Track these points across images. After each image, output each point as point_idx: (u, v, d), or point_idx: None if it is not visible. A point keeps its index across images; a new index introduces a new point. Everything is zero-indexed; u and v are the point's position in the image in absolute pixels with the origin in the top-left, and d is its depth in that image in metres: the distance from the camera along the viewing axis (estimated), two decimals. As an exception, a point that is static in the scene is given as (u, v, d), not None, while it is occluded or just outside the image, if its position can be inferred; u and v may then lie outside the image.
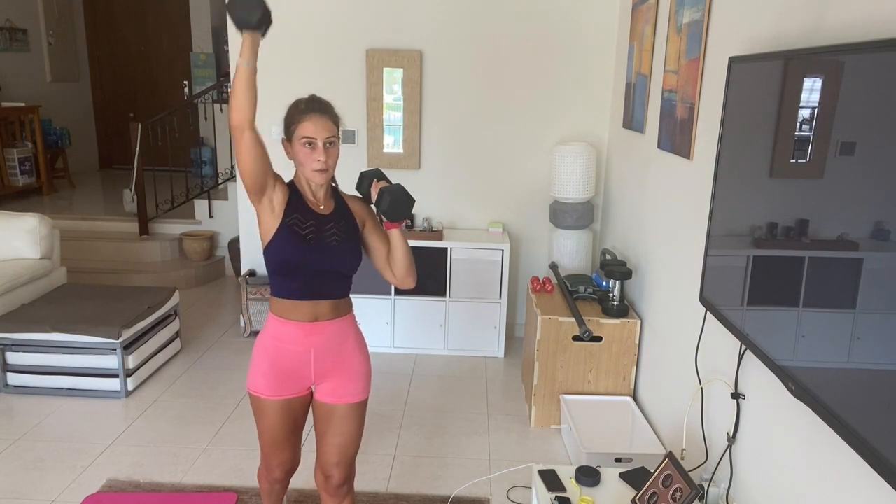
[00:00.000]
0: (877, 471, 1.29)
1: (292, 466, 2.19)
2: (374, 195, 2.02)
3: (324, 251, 1.96)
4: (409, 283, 2.09)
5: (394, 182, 2.01)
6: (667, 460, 2.13)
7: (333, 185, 2.10)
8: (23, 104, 6.88)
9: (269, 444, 2.10)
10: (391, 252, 2.05)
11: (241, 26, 1.74)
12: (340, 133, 1.98)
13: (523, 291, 4.55)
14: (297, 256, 1.92)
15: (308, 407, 2.13)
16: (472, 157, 4.36)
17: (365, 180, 2.07)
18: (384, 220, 1.99)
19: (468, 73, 4.23)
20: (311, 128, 1.89)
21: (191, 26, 7.20)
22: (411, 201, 1.97)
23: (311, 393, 2.11)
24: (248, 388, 2.06)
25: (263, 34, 1.85)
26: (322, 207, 2.01)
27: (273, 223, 1.93)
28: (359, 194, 2.12)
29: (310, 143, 1.89)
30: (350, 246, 2.01)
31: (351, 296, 2.45)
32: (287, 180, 2.02)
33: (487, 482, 2.93)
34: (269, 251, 1.94)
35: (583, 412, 3.24)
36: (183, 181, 6.53)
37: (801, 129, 1.60)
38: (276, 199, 1.93)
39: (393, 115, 4.26)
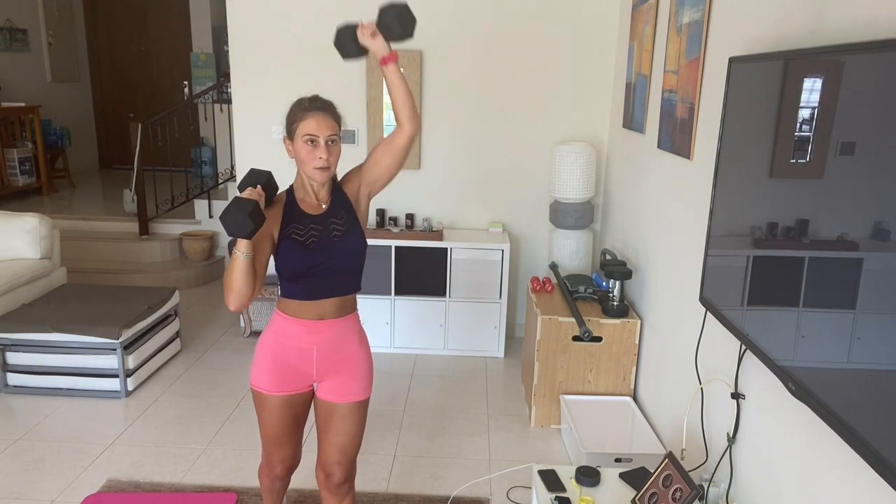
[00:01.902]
0: (877, 471, 1.29)
1: (293, 463, 2.20)
2: (361, 34, 1.91)
3: (327, 249, 1.97)
4: (416, 122, 1.99)
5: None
6: (667, 460, 2.13)
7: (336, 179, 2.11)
8: (23, 104, 6.89)
9: (271, 439, 2.11)
10: (392, 91, 1.95)
11: (231, 235, 1.79)
12: (341, 133, 1.98)
13: (523, 291, 4.55)
14: (304, 263, 1.96)
15: (309, 404, 2.14)
16: (472, 157, 4.36)
17: (346, 30, 1.93)
18: (382, 56, 1.90)
19: (468, 74, 4.23)
20: (313, 125, 1.90)
21: (191, 26, 7.20)
22: (414, 17, 1.88)
23: (313, 390, 2.11)
24: (251, 384, 2.08)
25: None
26: (324, 206, 2.02)
27: (275, 237, 1.97)
28: (344, 52, 2.00)
29: (312, 141, 1.90)
30: (352, 235, 2.02)
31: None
32: (286, 188, 2.03)
33: (487, 482, 2.93)
34: (277, 259, 1.99)
35: (583, 412, 3.24)
36: (183, 181, 6.53)
37: (801, 130, 1.60)
38: (275, 234, 1.97)
39: (393, 116, 4.25)
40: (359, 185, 2.07)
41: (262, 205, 1.86)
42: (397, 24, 1.87)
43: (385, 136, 2.04)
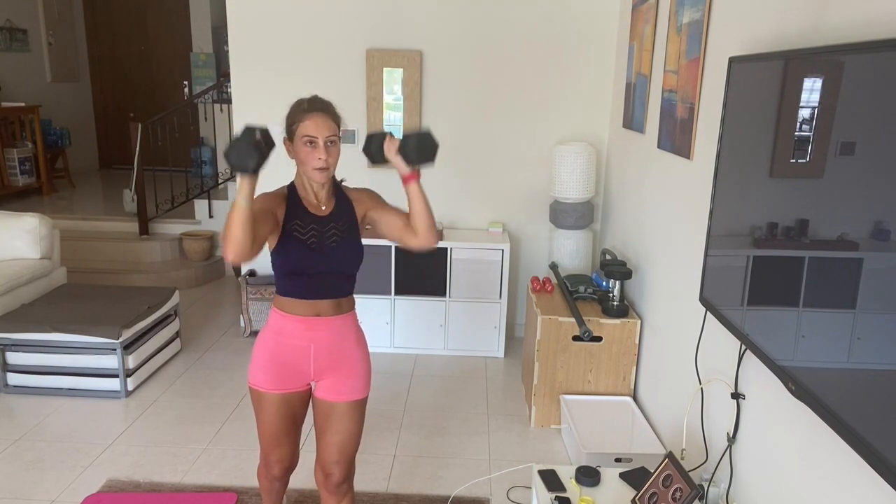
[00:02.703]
0: (877, 471, 1.29)
1: (291, 463, 2.20)
2: (387, 149, 1.96)
3: (325, 253, 1.99)
4: (433, 240, 2.03)
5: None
6: (667, 460, 2.13)
7: (340, 180, 2.12)
8: (23, 104, 6.89)
9: (268, 439, 2.11)
10: (411, 206, 1.99)
11: (238, 172, 1.75)
12: (341, 133, 1.99)
13: (523, 291, 4.55)
14: (300, 262, 1.97)
15: (307, 403, 2.14)
16: (472, 157, 4.36)
17: (374, 139, 2.00)
18: (407, 165, 1.95)
19: (468, 73, 4.23)
20: (312, 126, 1.90)
21: (191, 26, 7.20)
22: (437, 145, 1.93)
23: (311, 389, 2.12)
24: (249, 382, 2.08)
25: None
26: (323, 208, 2.02)
27: (276, 233, 1.97)
28: (370, 155, 2.05)
29: (311, 142, 1.91)
30: (350, 245, 2.03)
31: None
32: (288, 183, 2.04)
33: (487, 482, 2.92)
34: (275, 255, 1.99)
35: (583, 412, 3.24)
36: (183, 181, 6.54)
37: (801, 129, 1.60)
38: (278, 217, 1.96)
39: (393, 115, 4.26)
40: (366, 212, 2.09)
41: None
42: (416, 155, 1.92)
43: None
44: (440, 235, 4.13)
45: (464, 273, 4.12)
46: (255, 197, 1.82)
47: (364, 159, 4.36)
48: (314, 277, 1.99)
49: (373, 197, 2.12)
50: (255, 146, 1.72)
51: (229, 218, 1.77)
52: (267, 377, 2.03)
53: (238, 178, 1.76)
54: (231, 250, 1.76)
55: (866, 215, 1.35)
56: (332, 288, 2.03)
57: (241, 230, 1.75)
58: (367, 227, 2.13)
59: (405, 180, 1.97)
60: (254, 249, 1.80)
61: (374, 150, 2.00)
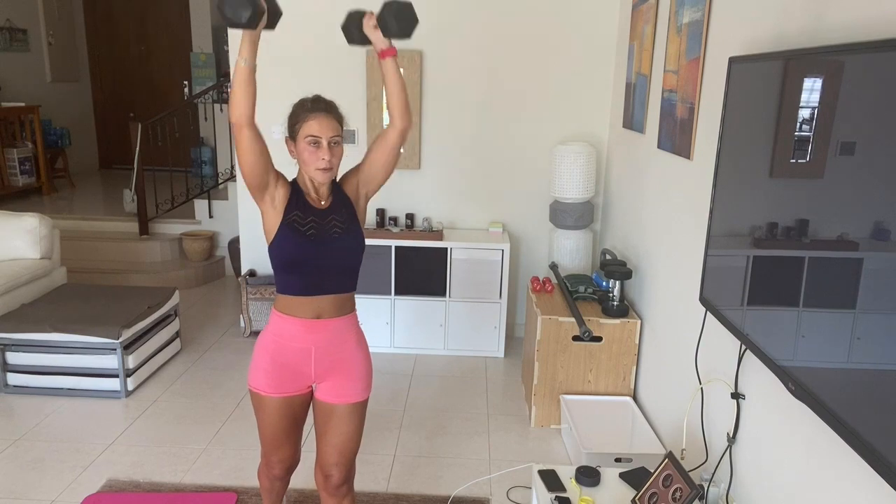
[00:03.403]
0: (877, 471, 1.29)
1: (292, 464, 2.20)
2: (366, 24, 1.93)
3: (326, 244, 1.97)
4: (408, 118, 2.00)
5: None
6: (667, 460, 2.13)
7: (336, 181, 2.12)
8: (23, 104, 6.89)
9: (269, 440, 2.11)
10: (387, 83, 1.97)
11: (232, 25, 1.73)
12: (343, 133, 1.99)
13: (523, 291, 4.55)
14: (300, 253, 1.95)
15: (308, 405, 2.14)
16: (472, 157, 4.36)
17: (353, 17, 1.95)
18: (382, 49, 1.92)
19: (468, 73, 4.23)
20: (315, 126, 1.90)
21: (191, 26, 7.20)
22: (416, 17, 1.90)
23: (312, 391, 2.11)
24: (249, 385, 2.07)
25: (273, 26, 1.84)
26: (323, 203, 2.03)
27: (275, 221, 1.95)
28: (350, 37, 2.02)
29: (314, 142, 1.91)
30: (352, 236, 2.02)
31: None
32: (291, 178, 2.03)
33: (487, 482, 2.92)
34: (273, 248, 1.97)
35: (583, 412, 3.24)
36: (183, 181, 6.53)
37: (801, 129, 1.60)
38: (278, 197, 1.96)
39: (393, 115, 4.26)
40: (357, 184, 2.08)
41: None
42: (394, 22, 1.88)
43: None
44: (440, 235, 4.13)
45: (464, 273, 4.12)
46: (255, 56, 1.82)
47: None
48: (314, 271, 1.97)
49: (352, 170, 2.10)
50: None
51: (232, 80, 1.79)
52: (268, 380, 2.03)
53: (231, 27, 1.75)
54: (233, 111, 1.82)
55: (866, 215, 1.35)
56: (334, 283, 2.01)
57: (242, 91, 1.80)
58: (365, 196, 2.10)
59: (382, 55, 1.95)
60: (253, 131, 1.84)
61: (353, 28, 1.96)
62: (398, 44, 2.00)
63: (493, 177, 4.38)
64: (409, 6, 1.89)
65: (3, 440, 3.13)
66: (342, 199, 2.06)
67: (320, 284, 1.99)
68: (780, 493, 1.87)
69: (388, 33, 1.91)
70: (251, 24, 1.73)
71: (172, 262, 5.50)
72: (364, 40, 1.98)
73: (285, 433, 2.10)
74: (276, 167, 2.00)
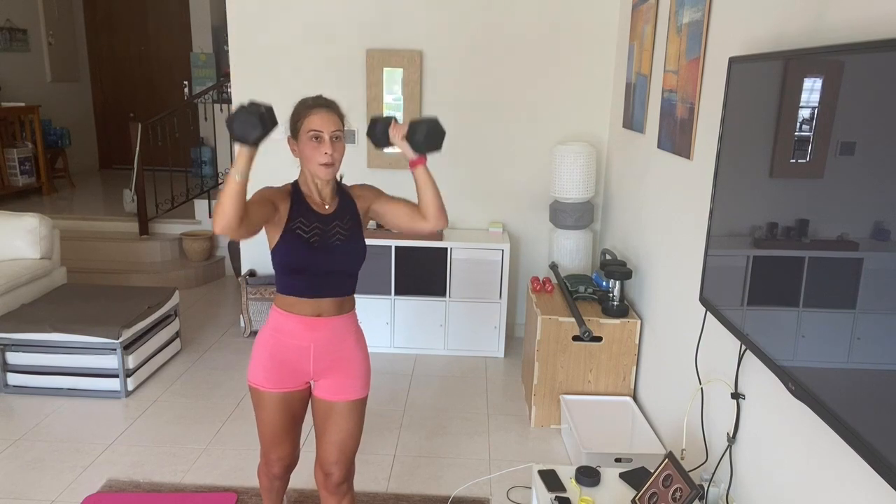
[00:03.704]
0: (877, 471, 1.29)
1: (291, 462, 2.20)
2: (392, 135, 1.99)
3: (328, 252, 1.98)
4: (443, 222, 2.04)
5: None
6: (667, 460, 2.13)
7: (338, 179, 2.12)
8: (23, 104, 6.89)
9: (268, 437, 2.11)
10: (420, 190, 2.01)
11: (239, 142, 1.74)
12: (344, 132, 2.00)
13: (523, 291, 4.55)
14: (302, 260, 1.96)
15: (307, 402, 2.14)
16: (472, 157, 4.36)
17: (379, 123, 2.01)
18: (413, 158, 1.96)
19: (468, 73, 4.23)
20: (317, 121, 1.91)
21: (191, 26, 7.20)
22: (444, 132, 1.95)
23: (310, 388, 2.12)
24: (248, 381, 2.08)
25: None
26: (327, 207, 2.02)
27: (278, 229, 1.97)
28: (374, 139, 2.07)
29: (316, 137, 1.91)
30: (354, 244, 2.03)
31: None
32: (291, 182, 2.04)
33: (487, 482, 2.92)
34: (276, 253, 1.98)
35: (583, 412, 3.24)
36: (183, 181, 6.53)
37: (801, 129, 1.60)
38: (281, 212, 1.96)
39: (395, 116, 4.26)
40: (369, 206, 2.10)
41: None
42: (424, 144, 1.92)
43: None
44: (440, 235, 4.13)
45: (464, 273, 4.12)
46: (257, 190, 1.81)
47: (364, 161, 4.36)
48: (316, 275, 1.99)
49: (374, 190, 2.12)
50: (260, 118, 1.71)
51: (222, 190, 1.76)
52: (266, 376, 2.04)
53: (236, 150, 1.75)
54: (218, 222, 1.75)
55: (866, 215, 1.35)
56: (334, 286, 2.02)
57: (231, 203, 1.73)
58: (371, 220, 2.14)
59: (413, 164, 1.98)
60: (243, 229, 1.78)
61: (379, 133, 2.01)
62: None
63: (493, 177, 4.38)
64: (436, 123, 1.93)
65: (3, 440, 3.13)
66: (348, 205, 2.06)
67: (320, 287, 2.01)
68: (780, 493, 1.87)
69: (418, 149, 1.94)
70: (257, 144, 1.76)
71: (172, 262, 5.50)
72: (391, 144, 2.03)
73: (284, 430, 2.11)
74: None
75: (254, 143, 1.74)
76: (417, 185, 2.01)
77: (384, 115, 2.03)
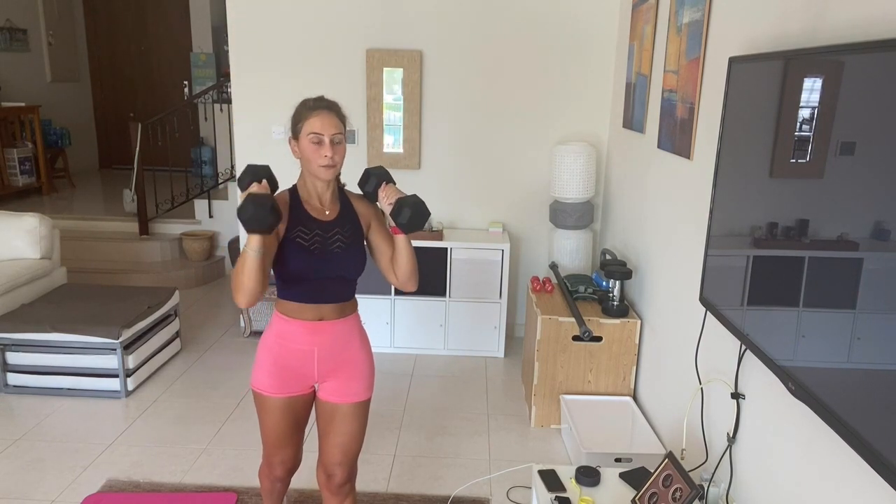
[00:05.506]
0: (877, 471, 1.29)
1: (294, 465, 2.20)
2: (381, 197, 2.01)
3: (328, 260, 1.98)
4: (411, 287, 2.09)
5: (401, 189, 2.00)
6: (667, 460, 2.13)
7: (341, 185, 2.11)
8: (23, 104, 6.89)
9: (272, 441, 2.11)
10: (395, 256, 2.04)
11: (253, 233, 1.78)
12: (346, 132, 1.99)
13: (523, 291, 4.55)
14: (302, 268, 1.96)
15: (311, 405, 2.14)
16: (472, 157, 4.36)
17: (372, 178, 2.05)
18: (394, 226, 1.98)
19: (468, 73, 4.23)
20: (318, 123, 1.91)
21: (191, 26, 7.20)
22: (427, 214, 1.96)
23: (314, 391, 2.11)
24: (252, 386, 2.08)
25: None
26: (327, 213, 2.02)
27: (280, 236, 1.96)
28: (364, 192, 2.11)
29: (317, 139, 1.91)
30: (354, 251, 2.03)
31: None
32: (289, 187, 2.03)
33: (487, 482, 2.93)
34: (275, 262, 1.97)
35: (583, 412, 3.24)
36: (183, 181, 6.53)
37: (801, 129, 1.60)
38: (281, 225, 1.96)
39: (393, 115, 4.26)
40: (368, 221, 2.09)
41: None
42: (406, 226, 1.94)
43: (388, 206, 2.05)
44: (440, 235, 4.13)
45: (464, 273, 4.12)
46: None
47: (364, 161, 4.36)
48: (316, 282, 1.98)
49: (376, 216, 2.11)
50: (272, 209, 1.75)
51: (239, 269, 1.80)
52: (271, 381, 2.03)
53: (247, 233, 1.79)
54: (243, 299, 1.82)
55: (866, 215, 1.35)
56: (334, 293, 2.02)
57: (253, 280, 1.80)
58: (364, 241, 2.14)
59: (395, 230, 2.00)
60: (265, 287, 1.84)
61: (370, 190, 2.06)
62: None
63: (493, 177, 4.38)
64: (421, 207, 1.94)
65: (3, 440, 3.13)
66: (350, 213, 2.06)
67: (321, 294, 2.00)
68: (780, 493, 1.87)
69: (400, 228, 1.96)
70: (271, 232, 1.80)
71: (172, 262, 5.50)
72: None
73: (288, 434, 2.10)
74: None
75: (267, 232, 1.78)
76: (396, 250, 2.02)
77: (377, 166, 2.07)
